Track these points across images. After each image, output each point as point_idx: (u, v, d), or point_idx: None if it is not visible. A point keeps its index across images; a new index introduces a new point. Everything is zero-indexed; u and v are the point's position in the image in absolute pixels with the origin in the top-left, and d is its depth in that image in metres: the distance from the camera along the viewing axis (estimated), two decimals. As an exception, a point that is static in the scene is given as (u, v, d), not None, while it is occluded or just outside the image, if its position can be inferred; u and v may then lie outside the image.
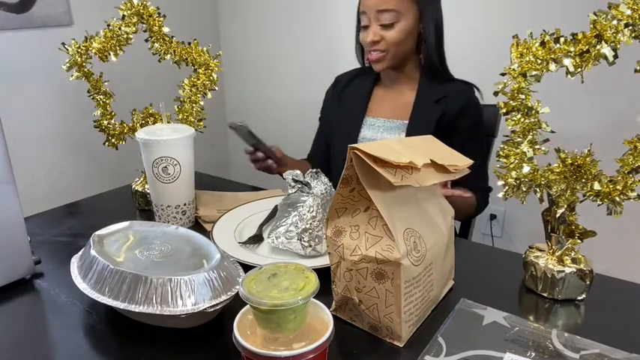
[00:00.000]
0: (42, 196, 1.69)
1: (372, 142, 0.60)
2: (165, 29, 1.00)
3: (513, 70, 0.66)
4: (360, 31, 1.15)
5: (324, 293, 0.54)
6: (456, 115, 1.12)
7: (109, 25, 0.99)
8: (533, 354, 0.59)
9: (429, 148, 0.67)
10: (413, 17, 1.09)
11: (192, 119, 1.05)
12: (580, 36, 0.61)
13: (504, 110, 0.68)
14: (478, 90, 1.17)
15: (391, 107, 1.19)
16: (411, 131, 1.14)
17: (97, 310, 0.70)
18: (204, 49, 1.02)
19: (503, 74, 0.67)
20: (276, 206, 0.93)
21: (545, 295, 0.71)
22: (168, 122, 1.01)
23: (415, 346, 0.61)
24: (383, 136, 1.17)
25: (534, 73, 0.64)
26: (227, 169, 2.54)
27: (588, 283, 0.69)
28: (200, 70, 1.03)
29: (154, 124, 1.06)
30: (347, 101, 1.26)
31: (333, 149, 1.28)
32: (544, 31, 0.63)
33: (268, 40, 2.19)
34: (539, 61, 0.64)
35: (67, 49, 0.98)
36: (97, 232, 0.73)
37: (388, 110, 1.20)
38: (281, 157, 1.19)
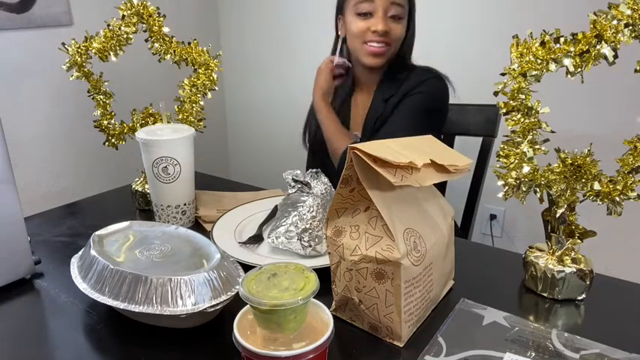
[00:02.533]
0: (42, 196, 1.69)
1: (371, 142, 0.60)
2: (165, 29, 1.00)
3: (513, 70, 0.66)
4: (354, 21, 1.08)
5: (324, 293, 0.54)
6: (402, 97, 1.09)
7: (109, 25, 0.99)
8: (533, 354, 0.59)
9: (429, 148, 0.67)
10: (406, 19, 1.09)
11: (192, 119, 1.05)
12: (580, 36, 0.61)
13: (504, 110, 0.68)
14: (445, 80, 1.13)
15: (360, 118, 1.17)
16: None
17: (97, 310, 0.70)
18: (204, 49, 1.02)
19: (503, 74, 0.67)
20: (276, 206, 0.93)
21: (545, 295, 0.71)
22: (168, 122, 1.01)
23: (415, 346, 0.61)
24: None
25: (534, 73, 0.64)
26: (227, 169, 2.55)
27: (588, 283, 0.69)
28: (200, 70, 1.03)
29: (154, 124, 1.06)
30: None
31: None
32: (544, 31, 0.63)
33: (268, 40, 2.19)
34: (539, 61, 0.64)
35: (67, 49, 0.98)
36: (97, 232, 0.73)
37: (358, 121, 1.18)
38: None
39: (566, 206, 0.68)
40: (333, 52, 1.21)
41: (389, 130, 1.08)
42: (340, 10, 1.14)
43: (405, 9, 1.07)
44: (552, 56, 0.63)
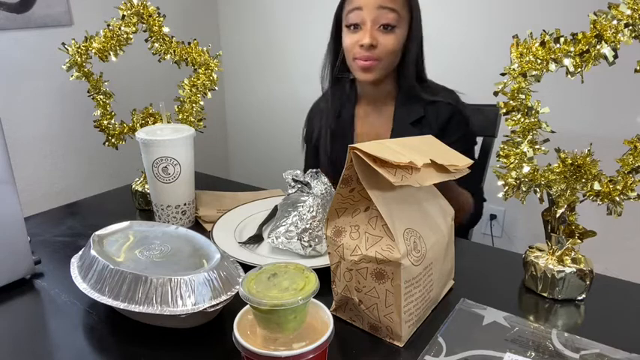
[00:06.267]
0: (42, 196, 1.69)
1: (371, 141, 0.60)
2: (165, 29, 1.00)
3: (513, 70, 0.66)
4: (346, 34, 1.02)
5: (324, 293, 0.54)
6: (439, 133, 1.02)
7: (109, 25, 0.99)
8: (533, 354, 0.59)
9: (429, 148, 0.67)
10: (405, 28, 1.02)
11: (192, 119, 1.05)
12: (580, 36, 0.61)
13: (504, 110, 0.68)
14: (455, 98, 1.09)
15: (373, 134, 1.13)
16: None
17: (97, 310, 0.70)
18: (204, 49, 1.02)
19: (503, 74, 0.67)
20: (276, 206, 0.93)
21: (545, 295, 0.71)
22: (168, 122, 1.01)
23: (415, 346, 0.61)
24: None
25: (534, 73, 0.64)
26: (227, 169, 2.54)
27: (588, 283, 0.69)
28: (200, 70, 1.03)
29: (154, 124, 1.06)
30: (335, 131, 1.16)
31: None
32: (544, 31, 0.63)
33: (268, 40, 2.19)
34: (539, 61, 0.64)
35: (67, 49, 0.98)
36: (97, 232, 0.73)
37: (371, 137, 1.12)
38: None
39: (566, 206, 0.68)
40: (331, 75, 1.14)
41: None
42: (339, 23, 1.08)
43: (401, 16, 0.99)
44: (552, 56, 0.63)
